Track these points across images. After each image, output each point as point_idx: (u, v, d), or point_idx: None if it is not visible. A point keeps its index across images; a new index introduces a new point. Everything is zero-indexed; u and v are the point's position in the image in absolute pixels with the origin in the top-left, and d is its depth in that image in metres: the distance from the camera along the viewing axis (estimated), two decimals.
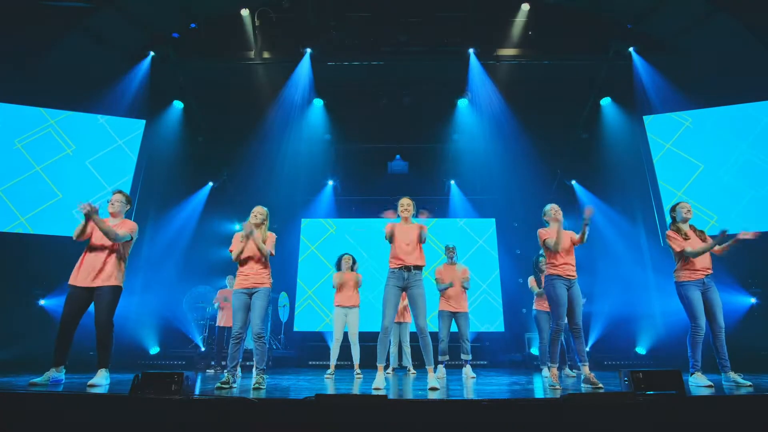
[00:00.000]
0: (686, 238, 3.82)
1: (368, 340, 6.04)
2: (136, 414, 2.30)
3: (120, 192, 3.90)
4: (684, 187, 7.76)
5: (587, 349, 6.52)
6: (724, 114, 7.88)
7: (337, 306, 5.54)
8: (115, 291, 3.63)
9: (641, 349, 8.02)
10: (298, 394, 3.12)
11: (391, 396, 2.71)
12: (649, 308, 8.06)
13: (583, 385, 3.74)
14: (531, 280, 5.85)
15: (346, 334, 5.53)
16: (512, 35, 8.05)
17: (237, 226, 10.37)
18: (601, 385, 3.55)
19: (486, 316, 9.66)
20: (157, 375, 2.49)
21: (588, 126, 9.15)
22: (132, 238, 3.78)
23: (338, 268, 5.82)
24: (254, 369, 3.79)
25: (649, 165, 8.14)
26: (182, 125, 8.90)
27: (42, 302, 7.18)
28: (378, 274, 9.61)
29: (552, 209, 4.11)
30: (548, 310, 4.74)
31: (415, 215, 3.95)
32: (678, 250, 3.82)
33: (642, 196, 8.38)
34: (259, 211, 4.00)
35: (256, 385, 3.55)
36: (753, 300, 6.99)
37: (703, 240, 3.85)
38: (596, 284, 8.40)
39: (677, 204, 4.04)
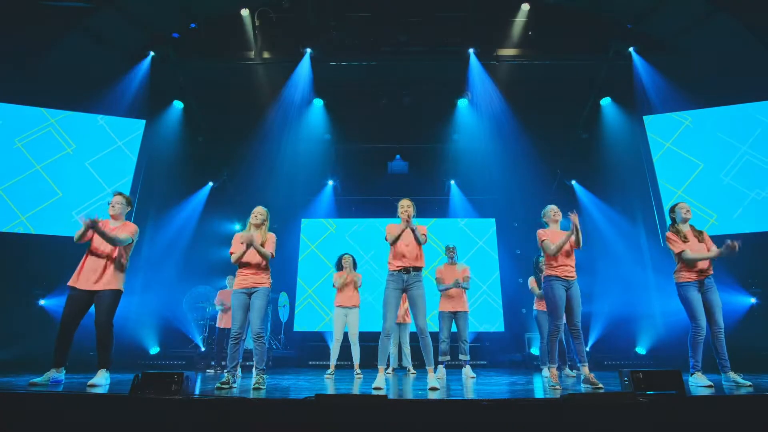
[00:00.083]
0: (685, 239, 3.82)
1: (368, 340, 6.04)
2: (136, 414, 2.30)
3: (120, 194, 3.90)
4: (684, 186, 7.76)
5: (587, 349, 6.52)
6: (724, 114, 7.88)
7: (338, 306, 5.54)
8: (116, 294, 3.64)
9: (641, 349, 8.02)
10: (298, 394, 3.12)
11: (391, 396, 2.71)
12: (649, 308, 8.06)
13: (582, 385, 3.74)
14: (531, 281, 5.85)
15: (346, 334, 5.53)
16: (512, 35, 8.05)
17: (237, 226, 10.38)
18: (601, 385, 3.55)
19: (486, 316, 9.66)
20: (157, 375, 2.48)
21: (588, 126, 9.15)
22: (133, 241, 3.79)
23: (338, 268, 5.82)
24: (254, 369, 3.79)
25: (649, 165, 8.14)
26: (182, 125, 8.90)
27: (42, 302, 7.18)
28: (378, 275, 9.61)
29: (551, 210, 4.11)
30: None
31: (415, 216, 3.95)
32: (677, 252, 3.82)
33: (642, 196, 8.38)
34: (259, 212, 4.00)
35: (256, 385, 3.55)
36: (753, 300, 6.99)
37: (701, 241, 3.84)
38: (596, 284, 8.40)
39: (676, 205, 4.03)
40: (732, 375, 3.58)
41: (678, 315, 5.84)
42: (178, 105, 8.83)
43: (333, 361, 5.40)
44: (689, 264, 3.76)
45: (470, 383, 4.27)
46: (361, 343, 5.50)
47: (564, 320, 3.93)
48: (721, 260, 3.87)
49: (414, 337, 4.92)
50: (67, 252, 3.72)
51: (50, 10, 6.89)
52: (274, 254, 3.95)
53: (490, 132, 8.86)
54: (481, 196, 10.41)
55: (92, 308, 3.61)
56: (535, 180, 9.40)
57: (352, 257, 5.82)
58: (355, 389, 3.80)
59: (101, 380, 3.43)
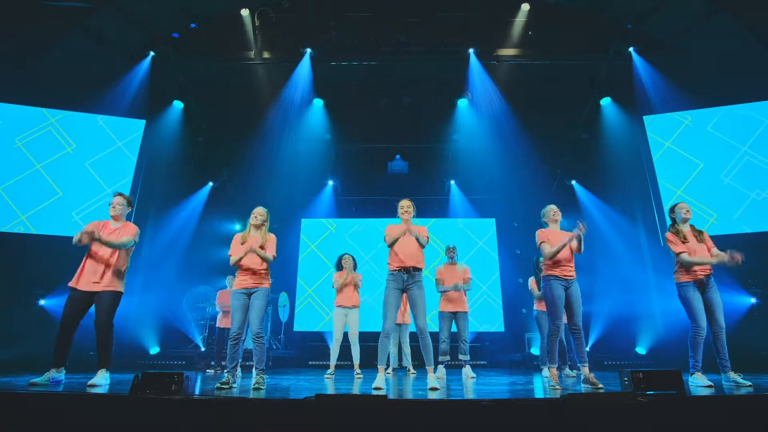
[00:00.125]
0: (685, 240, 3.81)
1: (368, 340, 6.04)
2: (136, 414, 2.30)
3: (121, 194, 3.90)
4: (684, 185, 7.76)
5: (587, 349, 6.52)
6: (724, 114, 7.88)
7: (338, 306, 5.54)
8: (116, 295, 3.65)
9: (641, 349, 8.02)
10: (298, 394, 3.12)
11: (391, 396, 2.71)
12: (649, 308, 8.06)
13: (582, 385, 3.74)
14: (531, 281, 5.85)
15: (346, 334, 5.53)
16: (512, 35, 8.05)
17: (237, 226, 10.39)
18: (601, 385, 3.55)
19: (486, 316, 9.66)
20: (157, 375, 2.49)
21: (588, 126, 9.15)
22: (134, 243, 3.81)
23: (338, 268, 5.82)
24: (254, 369, 3.78)
25: (649, 165, 8.14)
26: (182, 125, 8.90)
27: (42, 302, 7.18)
28: (378, 275, 9.61)
29: (551, 210, 4.10)
30: None
31: (415, 216, 3.95)
32: (676, 254, 3.82)
33: (642, 196, 8.38)
34: (259, 213, 3.99)
35: (256, 386, 3.55)
36: (753, 300, 6.99)
37: (701, 241, 3.84)
38: (596, 284, 8.40)
39: (676, 205, 4.02)
40: (732, 375, 3.57)
41: (678, 315, 5.83)
42: (178, 105, 8.83)
43: (333, 361, 5.40)
44: (687, 266, 3.76)
45: (470, 383, 4.27)
46: (361, 343, 5.50)
47: (564, 320, 3.92)
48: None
49: (414, 337, 4.92)
50: (67, 252, 3.71)
51: (50, 10, 6.89)
52: (275, 256, 3.96)
53: (490, 132, 8.86)
54: (481, 196, 10.41)
55: (92, 308, 3.62)
56: (535, 180, 9.40)
57: (352, 257, 5.81)
58: (355, 389, 3.80)
59: (101, 380, 3.43)
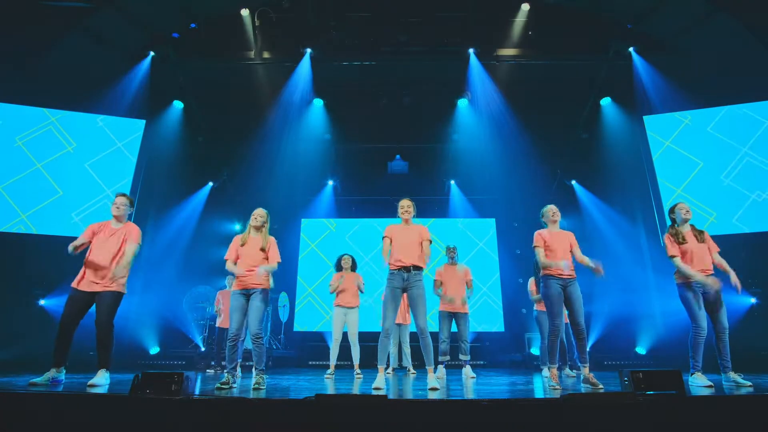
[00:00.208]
0: (683, 241, 3.80)
1: (368, 340, 6.04)
2: (136, 414, 2.30)
3: (124, 195, 3.90)
4: (683, 184, 7.76)
5: (587, 348, 6.52)
6: (724, 114, 7.88)
7: (337, 306, 5.54)
8: (117, 296, 3.65)
9: (641, 349, 8.02)
10: (298, 394, 3.12)
11: (391, 396, 2.71)
12: (649, 308, 8.06)
13: (582, 385, 3.74)
14: (531, 283, 5.85)
15: (345, 334, 5.53)
16: (512, 35, 8.05)
17: (237, 227, 10.39)
18: (601, 385, 3.55)
19: (486, 316, 9.66)
20: (157, 375, 2.48)
21: (588, 126, 9.16)
22: (140, 246, 3.84)
23: (338, 269, 5.83)
24: (254, 369, 3.78)
25: (649, 165, 8.14)
26: (182, 125, 8.90)
27: (42, 302, 7.18)
28: (378, 276, 9.61)
29: (549, 211, 4.09)
30: None
31: (415, 216, 3.95)
32: (669, 256, 3.82)
33: (642, 196, 8.38)
34: (259, 214, 3.99)
35: (256, 386, 3.55)
36: (753, 300, 6.99)
37: (702, 241, 3.82)
38: (596, 284, 8.38)
39: (676, 205, 3.99)
40: (732, 375, 3.57)
41: (678, 315, 5.83)
42: (178, 105, 8.83)
43: (333, 361, 5.40)
44: (691, 260, 3.74)
45: (470, 383, 4.27)
46: (361, 343, 5.50)
47: (563, 320, 3.92)
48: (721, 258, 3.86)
49: (414, 337, 4.92)
50: (67, 252, 3.71)
51: (50, 10, 6.89)
52: (280, 260, 3.97)
53: (490, 132, 8.86)
54: (481, 196, 10.41)
55: (92, 308, 3.62)
56: (535, 180, 9.40)
57: (352, 258, 5.82)
58: (355, 389, 3.80)
59: (101, 380, 3.43)
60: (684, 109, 8.04)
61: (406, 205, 3.90)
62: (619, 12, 7.83)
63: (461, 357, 5.36)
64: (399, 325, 6.24)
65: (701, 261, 3.75)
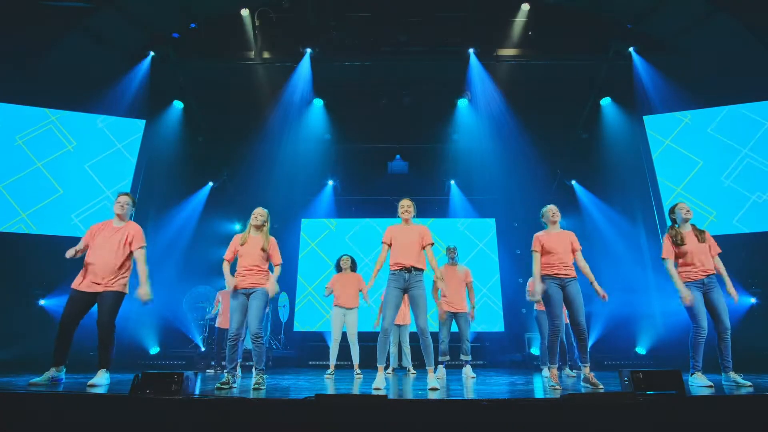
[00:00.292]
0: (682, 243, 3.79)
1: (368, 340, 6.04)
2: (136, 414, 2.30)
3: (127, 194, 3.90)
4: (683, 183, 7.76)
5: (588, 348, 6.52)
6: (724, 114, 7.88)
7: (335, 306, 5.54)
8: (119, 296, 3.65)
9: (641, 349, 8.02)
10: (298, 394, 3.12)
11: (391, 396, 2.71)
12: (649, 308, 8.06)
13: (582, 385, 3.74)
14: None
15: (345, 334, 5.52)
16: (512, 35, 8.05)
17: (237, 226, 10.39)
18: (601, 385, 3.55)
19: (486, 316, 9.66)
20: (157, 375, 2.48)
21: (588, 126, 9.16)
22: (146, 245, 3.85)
23: (338, 269, 5.83)
24: (254, 369, 3.78)
25: (649, 165, 8.14)
26: (182, 125, 8.90)
27: (42, 302, 7.19)
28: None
29: (549, 211, 4.08)
30: None
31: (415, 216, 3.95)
32: (662, 257, 3.83)
33: (642, 196, 8.38)
34: (259, 213, 3.99)
35: (256, 386, 3.55)
36: (753, 300, 6.99)
37: (703, 240, 3.81)
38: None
39: (676, 205, 3.97)
40: (732, 375, 3.56)
41: (678, 315, 5.84)
42: (178, 105, 8.83)
43: (332, 361, 5.40)
44: (692, 260, 3.73)
45: (470, 383, 4.27)
46: (361, 344, 5.50)
47: (563, 320, 3.92)
48: (721, 260, 3.86)
49: (414, 337, 4.92)
50: (67, 251, 3.71)
51: (50, 10, 6.89)
52: (281, 260, 4.01)
53: (490, 132, 8.86)
54: (481, 196, 10.41)
55: (93, 309, 3.62)
56: (535, 180, 9.40)
57: (351, 258, 5.81)
58: (355, 389, 3.80)
59: (101, 380, 3.43)
60: (684, 109, 8.04)
61: (406, 204, 3.90)
62: (619, 12, 7.83)
63: (462, 357, 5.36)
64: (399, 325, 6.24)
65: (702, 262, 3.74)
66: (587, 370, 3.73)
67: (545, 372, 5.03)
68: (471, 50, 8.10)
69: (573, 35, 7.99)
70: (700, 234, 3.85)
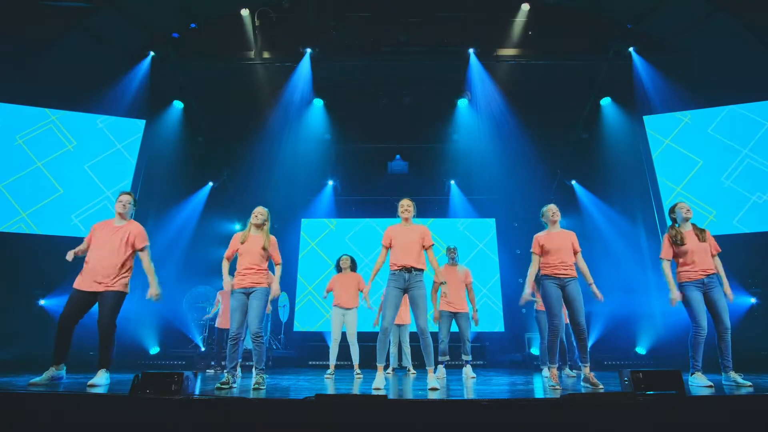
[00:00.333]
0: (682, 243, 3.79)
1: (368, 340, 6.04)
2: (136, 414, 2.30)
3: (129, 193, 3.91)
4: (683, 182, 7.77)
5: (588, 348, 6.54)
6: (725, 115, 7.88)
7: (335, 306, 5.54)
8: (120, 296, 3.65)
9: (641, 349, 8.02)
10: (298, 394, 3.12)
11: (391, 396, 2.71)
12: (649, 308, 8.06)
13: (582, 385, 3.74)
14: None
15: (344, 334, 5.52)
16: (512, 35, 8.05)
17: (237, 226, 10.39)
18: (601, 385, 3.55)
19: (486, 316, 9.65)
20: (157, 375, 2.49)
21: (588, 126, 9.16)
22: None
23: (338, 269, 5.83)
24: (254, 369, 3.78)
25: (649, 165, 8.14)
26: (182, 125, 8.90)
27: (42, 302, 7.19)
28: (377, 277, 9.60)
29: (549, 211, 4.06)
30: None
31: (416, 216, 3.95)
32: (660, 257, 3.85)
33: (642, 196, 8.38)
34: (260, 212, 3.99)
35: (256, 386, 3.55)
36: (753, 300, 6.99)
37: (703, 240, 3.81)
38: (596, 284, 8.37)
39: (676, 205, 3.97)
40: (732, 375, 3.56)
41: (678, 315, 5.83)
42: (178, 105, 8.83)
43: (332, 361, 5.40)
44: (692, 259, 3.73)
45: (470, 383, 4.27)
46: (361, 344, 5.50)
47: (562, 320, 3.92)
48: (721, 259, 3.86)
49: (414, 337, 4.92)
50: (67, 252, 3.71)
51: (50, 10, 6.89)
52: (280, 260, 4.05)
53: (490, 132, 8.86)
54: (481, 196, 10.41)
55: (92, 309, 3.61)
56: (535, 180, 9.41)
57: (351, 258, 5.82)
58: (355, 389, 3.80)
59: (101, 380, 3.43)
60: (684, 109, 8.04)
61: (406, 204, 3.90)
62: (619, 12, 7.83)
63: (463, 357, 5.36)
64: (399, 325, 6.23)
65: (702, 261, 3.73)
66: (587, 370, 3.73)
67: (545, 372, 5.03)
68: (471, 50, 8.10)
69: (573, 35, 7.99)
70: (700, 233, 3.84)
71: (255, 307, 3.75)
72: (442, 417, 2.26)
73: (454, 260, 5.68)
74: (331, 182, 10.58)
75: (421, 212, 4.17)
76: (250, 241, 3.88)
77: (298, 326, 9.75)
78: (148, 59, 7.99)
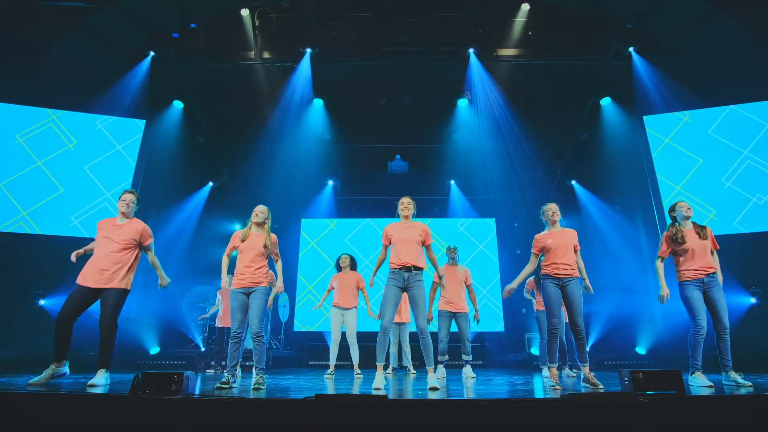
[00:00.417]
0: (682, 241, 3.78)
1: (368, 340, 6.04)
2: (136, 414, 2.30)
3: (132, 192, 3.91)
4: (683, 181, 7.77)
5: (587, 348, 6.54)
6: (725, 116, 7.88)
7: (334, 306, 5.54)
8: (123, 294, 3.65)
9: (641, 349, 8.02)
10: (298, 394, 3.12)
11: (391, 396, 2.71)
12: (649, 308, 8.06)
13: (582, 384, 3.74)
14: (530, 283, 5.85)
15: (344, 334, 5.52)
16: (512, 35, 8.04)
17: (237, 226, 10.39)
18: (601, 385, 3.55)
19: (486, 316, 9.66)
20: (157, 375, 2.49)
21: (588, 126, 9.15)
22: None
23: (338, 269, 5.83)
24: (254, 369, 3.78)
25: (649, 165, 8.14)
26: (182, 125, 8.90)
27: (42, 302, 7.19)
28: (377, 277, 9.61)
29: (549, 210, 4.05)
30: None
31: (415, 214, 3.94)
32: (658, 255, 3.86)
33: (642, 196, 8.38)
34: (260, 210, 4.00)
35: (256, 385, 3.55)
36: (753, 300, 6.98)
37: (704, 237, 3.80)
38: (596, 284, 8.35)
39: (676, 204, 3.96)
40: (732, 375, 3.55)
41: (678, 315, 5.84)
42: (178, 105, 8.83)
43: (332, 361, 5.40)
44: (692, 258, 3.72)
45: (470, 383, 4.27)
46: (361, 343, 5.50)
47: (562, 320, 3.92)
48: (721, 260, 3.85)
49: (414, 337, 4.92)
50: (67, 252, 3.71)
51: (50, 10, 6.89)
52: (279, 258, 4.08)
53: (490, 132, 8.86)
54: (481, 196, 10.41)
55: (91, 308, 3.61)
56: (535, 180, 9.41)
57: (350, 257, 5.82)
58: (355, 389, 3.80)
59: (101, 380, 3.42)
60: (684, 110, 8.05)
61: (406, 202, 3.89)
62: (619, 12, 7.83)
63: (463, 357, 5.36)
64: (399, 324, 6.23)
65: (702, 259, 3.72)
66: (587, 369, 3.72)
67: (545, 372, 5.03)
68: (471, 50, 8.09)
69: (573, 35, 7.98)
70: (701, 231, 3.82)
71: (255, 306, 3.75)
72: (442, 417, 2.26)
73: (454, 260, 5.68)
74: (331, 182, 10.58)
75: (421, 212, 4.18)
76: (250, 239, 3.89)
77: (298, 326, 9.75)
78: (148, 59, 7.98)
